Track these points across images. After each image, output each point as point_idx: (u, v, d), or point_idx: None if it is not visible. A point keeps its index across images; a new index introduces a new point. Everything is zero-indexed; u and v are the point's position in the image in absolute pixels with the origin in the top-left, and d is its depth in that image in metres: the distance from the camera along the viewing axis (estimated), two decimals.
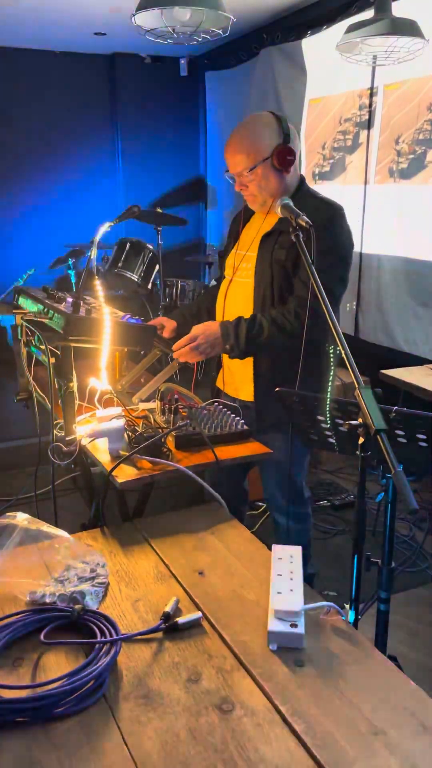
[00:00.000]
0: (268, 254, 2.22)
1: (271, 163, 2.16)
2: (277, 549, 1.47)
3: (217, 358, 2.39)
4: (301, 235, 1.76)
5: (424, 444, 1.55)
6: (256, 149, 2.15)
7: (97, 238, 2.22)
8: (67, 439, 1.94)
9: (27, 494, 3.56)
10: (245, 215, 2.41)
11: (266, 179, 2.18)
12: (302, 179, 2.30)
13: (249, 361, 2.29)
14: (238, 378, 2.36)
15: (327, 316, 1.57)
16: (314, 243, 1.74)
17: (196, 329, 2.19)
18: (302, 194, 2.25)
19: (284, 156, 2.16)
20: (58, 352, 1.95)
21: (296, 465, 2.44)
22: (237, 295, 2.32)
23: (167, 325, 2.44)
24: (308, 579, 2.60)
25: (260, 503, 3.59)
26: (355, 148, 4.36)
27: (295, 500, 2.49)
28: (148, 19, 2.34)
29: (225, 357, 2.37)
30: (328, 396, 1.65)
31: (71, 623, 1.27)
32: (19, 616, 1.28)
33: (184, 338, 2.17)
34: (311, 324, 2.11)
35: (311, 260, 1.69)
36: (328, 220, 2.14)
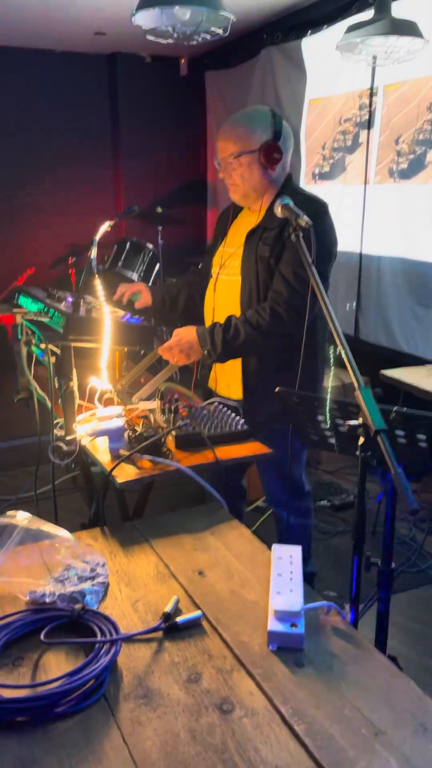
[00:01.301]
0: (253, 251, 2.23)
1: (257, 157, 2.17)
2: (277, 549, 1.47)
3: (191, 364, 2.40)
4: (301, 235, 1.76)
5: (424, 444, 1.55)
6: (245, 139, 2.17)
7: (98, 237, 2.22)
8: (67, 438, 1.94)
9: (27, 493, 3.57)
10: (233, 212, 2.41)
11: (249, 171, 2.20)
12: (289, 177, 2.30)
13: (237, 360, 2.29)
14: (229, 377, 2.37)
15: (327, 316, 1.57)
16: (314, 243, 1.74)
17: (177, 333, 2.21)
18: (289, 191, 2.25)
19: (271, 153, 2.17)
20: (58, 352, 1.95)
21: (294, 459, 2.44)
22: (225, 292, 2.33)
23: (143, 297, 2.45)
24: (309, 577, 2.60)
25: (259, 503, 3.59)
26: (355, 148, 4.36)
27: (295, 494, 2.50)
28: (147, 18, 2.34)
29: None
30: (328, 396, 1.65)
31: (71, 623, 1.27)
32: (19, 615, 1.28)
33: (170, 340, 2.19)
34: (294, 320, 2.13)
35: (311, 261, 1.68)
36: (313, 217, 2.15)
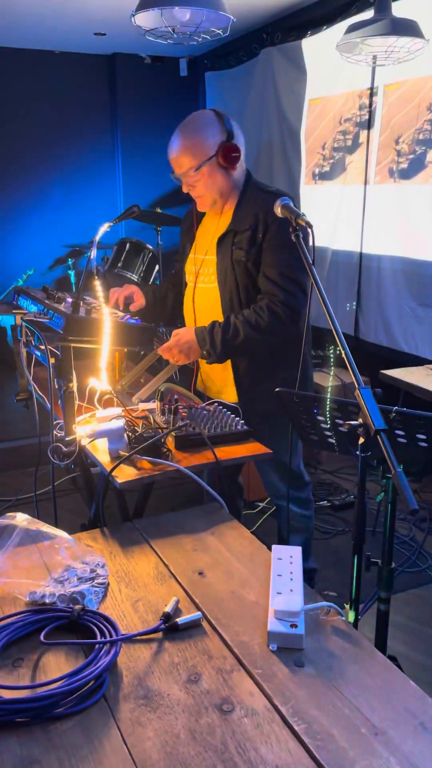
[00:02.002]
0: (228, 256, 2.23)
1: (217, 162, 2.16)
2: (277, 549, 1.47)
3: (191, 364, 2.40)
4: (301, 235, 1.76)
5: (424, 444, 1.55)
6: (201, 149, 2.14)
7: (97, 238, 2.22)
8: (66, 439, 1.94)
9: (27, 494, 3.57)
10: (197, 216, 2.40)
11: (212, 178, 2.18)
12: (248, 174, 2.29)
13: (227, 364, 2.30)
14: (219, 382, 2.38)
15: (328, 316, 1.57)
16: (313, 242, 1.75)
17: (176, 333, 2.22)
18: (251, 189, 2.25)
19: (229, 153, 2.16)
20: (58, 353, 1.95)
21: (292, 451, 2.45)
22: (204, 301, 2.33)
23: (137, 300, 2.44)
24: (310, 573, 2.61)
25: (259, 503, 3.59)
26: (355, 148, 4.36)
27: (296, 484, 2.51)
28: (147, 19, 2.34)
29: (201, 363, 2.38)
30: (328, 396, 1.65)
31: (71, 623, 1.27)
32: (18, 616, 1.28)
33: (170, 341, 2.20)
34: (292, 318, 2.14)
35: (311, 261, 1.68)
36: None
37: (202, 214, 2.39)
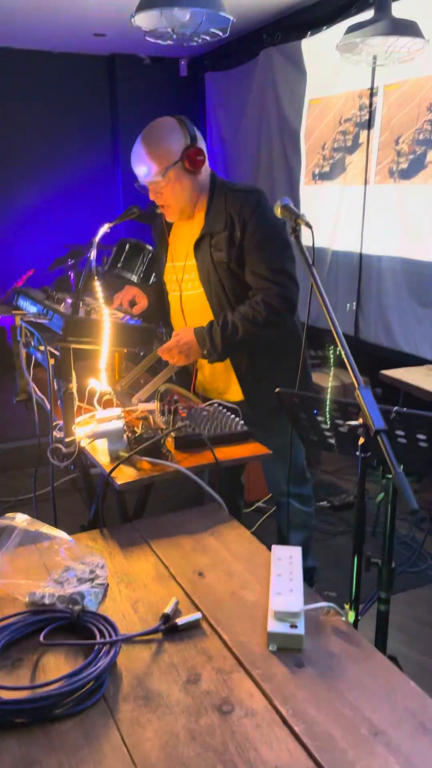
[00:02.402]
0: (207, 259, 2.23)
1: (183, 166, 2.16)
2: (277, 549, 1.47)
3: (188, 367, 2.40)
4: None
5: (424, 444, 1.55)
6: (166, 154, 2.14)
7: (97, 238, 2.22)
8: (66, 440, 1.94)
9: (26, 495, 3.57)
10: (166, 225, 2.40)
11: (180, 184, 2.18)
12: (213, 174, 2.29)
13: (228, 366, 2.30)
14: (222, 383, 2.38)
15: (328, 316, 1.57)
16: (313, 243, 1.74)
17: (176, 334, 2.22)
18: (220, 189, 2.25)
19: (194, 157, 2.16)
20: (58, 354, 1.95)
21: (296, 446, 2.45)
22: (193, 309, 2.33)
23: (139, 302, 2.45)
24: (309, 572, 2.61)
25: (259, 503, 3.59)
26: (355, 148, 4.36)
27: (299, 481, 2.51)
28: (147, 19, 2.34)
29: (201, 366, 2.38)
30: (328, 396, 1.65)
31: (70, 624, 1.27)
32: (18, 617, 1.28)
33: (170, 341, 2.20)
34: (288, 310, 2.16)
35: (311, 261, 1.68)
36: (256, 206, 2.16)
37: (171, 224, 2.39)
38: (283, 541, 2.61)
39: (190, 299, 2.33)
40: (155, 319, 2.53)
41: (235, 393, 2.36)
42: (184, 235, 2.32)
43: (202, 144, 2.20)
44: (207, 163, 2.23)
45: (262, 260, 2.16)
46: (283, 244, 2.20)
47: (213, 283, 2.24)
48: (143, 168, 2.17)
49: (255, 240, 2.16)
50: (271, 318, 2.15)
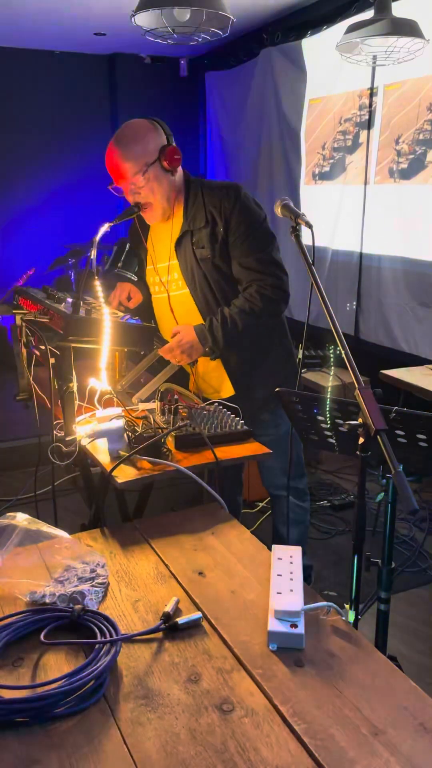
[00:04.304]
0: (190, 257, 2.23)
1: (160, 165, 2.16)
2: (277, 549, 1.47)
3: (185, 367, 2.40)
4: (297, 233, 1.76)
5: (424, 444, 1.55)
6: (144, 153, 2.14)
7: (97, 238, 2.22)
8: (66, 439, 1.94)
9: (27, 494, 3.57)
10: (142, 229, 2.39)
11: (158, 182, 2.18)
12: (186, 172, 2.30)
13: (218, 362, 2.31)
14: (215, 381, 2.38)
15: (328, 316, 1.57)
16: (313, 242, 1.74)
17: (177, 333, 2.22)
18: (195, 187, 2.26)
19: (172, 156, 2.17)
20: (58, 353, 1.95)
21: (294, 438, 2.46)
22: (182, 310, 2.33)
23: (134, 297, 2.45)
24: (306, 570, 2.61)
25: (258, 503, 3.59)
26: (355, 148, 4.36)
27: (294, 473, 2.51)
28: (147, 19, 2.34)
29: (195, 367, 2.38)
30: (328, 396, 1.65)
31: (71, 623, 1.27)
32: (19, 616, 1.28)
33: (171, 341, 2.21)
34: (283, 298, 2.18)
35: (311, 261, 1.68)
36: (236, 201, 2.18)
37: (147, 227, 2.38)
38: (279, 539, 2.61)
39: (178, 299, 2.33)
40: (150, 314, 2.53)
41: (228, 389, 2.37)
42: (164, 236, 2.32)
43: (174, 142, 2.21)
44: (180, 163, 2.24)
45: (250, 253, 2.17)
46: (268, 234, 2.22)
47: (198, 280, 2.24)
48: (121, 168, 2.16)
49: (240, 233, 2.17)
50: (268, 308, 2.18)
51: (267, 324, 2.26)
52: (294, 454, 2.50)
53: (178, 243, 2.25)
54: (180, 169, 2.25)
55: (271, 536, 2.71)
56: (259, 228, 2.19)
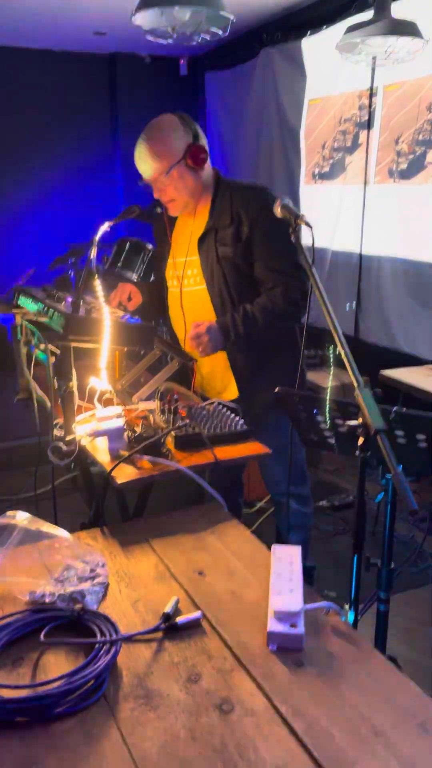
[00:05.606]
0: (212, 254, 2.23)
1: (186, 164, 2.16)
2: (277, 549, 1.47)
3: (188, 365, 2.40)
4: (296, 234, 1.76)
5: (424, 444, 1.55)
6: (169, 153, 2.15)
7: (97, 237, 2.22)
8: (66, 438, 1.94)
9: (27, 494, 3.56)
10: (168, 220, 2.40)
11: (183, 181, 2.19)
12: (217, 171, 2.30)
13: (226, 363, 2.31)
14: (221, 382, 2.38)
15: (327, 316, 1.57)
16: (313, 243, 1.74)
17: (197, 325, 2.20)
18: (225, 186, 2.25)
19: (197, 154, 2.17)
20: (58, 352, 1.95)
21: (295, 445, 2.45)
22: (194, 305, 2.33)
23: (134, 298, 2.45)
24: (309, 571, 2.61)
25: (258, 503, 3.59)
26: (354, 148, 4.36)
27: (298, 480, 2.51)
28: (147, 18, 2.33)
29: (198, 366, 2.37)
30: (328, 396, 1.65)
31: (71, 623, 1.27)
32: (18, 615, 1.28)
33: (194, 331, 2.19)
34: (303, 303, 2.18)
35: (311, 261, 1.68)
36: (264, 203, 2.16)
37: (174, 219, 2.39)
38: (282, 541, 2.61)
39: (190, 295, 2.33)
40: (150, 315, 2.53)
41: (232, 391, 2.36)
42: (187, 231, 2.32)
43: (204, 141, 2.20)
44: (209, 160, 2.24)
45: (277, 256, 2.17)
46: (296, 240, 2.22)
47: (216, 278, 2.24)
48: (146, 167, 2.18)
49: (268, 237, 2.16)
50: (289, 310, 2.18)
51: (284, 328, 2.25)
52: (296, 460, 2.50)
53: (202, 239, 2.25)
54: (208, 166, 2.25)
55: (273, 538, 2.71)
56: (287, 232, 2.19)
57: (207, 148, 2.20)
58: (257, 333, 2.18)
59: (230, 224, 2.19)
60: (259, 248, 2.18)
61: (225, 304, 2.25)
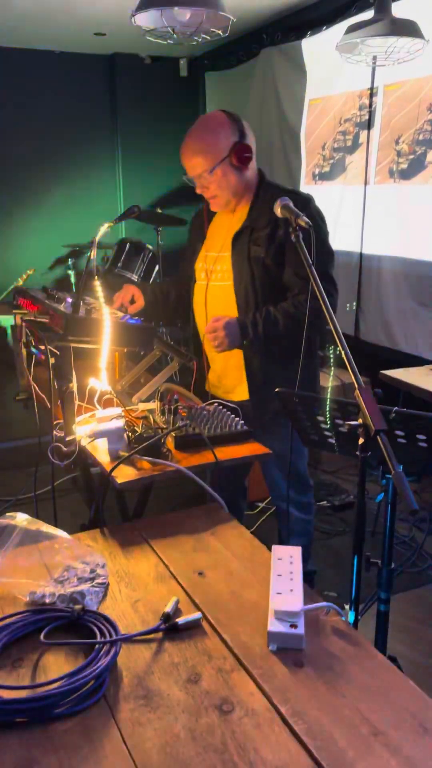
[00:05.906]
0: (244, 253, 2.23)
1: (230, 162, 2.17)
2: (277, 549, 1.47)
3: (200, 364, 2.39)
4: (301, 236, 1.76)
5: (424, 444, 1.55)
6: (214, 150, 2.15)
7: (97, 238, 2.22)
8: (66, 439, 1.94)
9: (26, 494, 3.57)
10: (208, 214, 2.40)
11: (226, 178, 2.19)
12: (262, 173, 2.30)
13: (240, 362, 2.30)
14: (232, 381, 2.37)
15: (327, 316, 1.57)
16: (314, 243, 1.74)
17: (216, 319, 2.19)
18: (267, 188, 2.25)
19: (242, 154, 2.17)
20: (58, 353, 1.95)
21: (298, 454, 2.45)
22: (218, 298, 2.32)
23: (138, 301, 2.44)
24: (309, 575, 2.61)
25: (259, 503, 3.59)
26: (355, 148, 4.36)
27: (301, 489, 2.50)
28: (147, 19, 2.33)
29: (212, 359, 2.37)
30: (328, 396, 1.65)
31: (71, 624, 1.27)
32: (18, 616, 1.28)
33: (211, 325, 2.18)
34: (314, 318, 2.16)
35: (311, 261, 1.68)
36: (303, 210, 2.15)
37: (213, 213, 2.39)
38: (283, 544, 2.61)
39: (215, 290, 2.32)
40: (152, 318, 2.53)
41: (241, 392, 2.35)
42: (224, 227, 2.32)
43: (250, 140, 2.20)
44: (254, 160, 2.24)
45: (304, 265, 2.17)
46: (330, 251, 2.21)
47: (244, 276, 2.24)
48: (191, 163, 2.19)
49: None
50: (311, 319, 2.16)
51: (303, 336, 2.24)
52: (298, 468, 2.49)
53: (236, 237, 2.25)
54: (253, 165, 2.25)
55: (273, 539, 2.71)
56: (324, 244, 2.19)
57: (253, 147, 2.20)
58: (276, 337, 2.17)
59: (267, 226, 2.18)
60: (291, 254, 2.18)
61: (249, 304, 2.24)
